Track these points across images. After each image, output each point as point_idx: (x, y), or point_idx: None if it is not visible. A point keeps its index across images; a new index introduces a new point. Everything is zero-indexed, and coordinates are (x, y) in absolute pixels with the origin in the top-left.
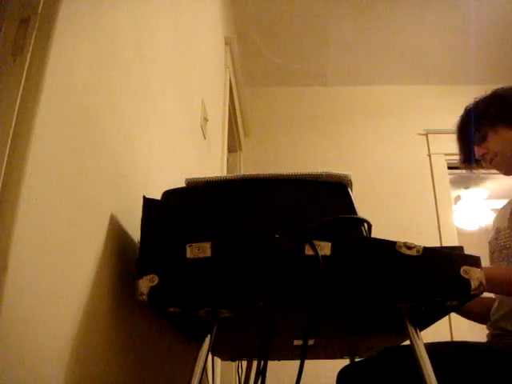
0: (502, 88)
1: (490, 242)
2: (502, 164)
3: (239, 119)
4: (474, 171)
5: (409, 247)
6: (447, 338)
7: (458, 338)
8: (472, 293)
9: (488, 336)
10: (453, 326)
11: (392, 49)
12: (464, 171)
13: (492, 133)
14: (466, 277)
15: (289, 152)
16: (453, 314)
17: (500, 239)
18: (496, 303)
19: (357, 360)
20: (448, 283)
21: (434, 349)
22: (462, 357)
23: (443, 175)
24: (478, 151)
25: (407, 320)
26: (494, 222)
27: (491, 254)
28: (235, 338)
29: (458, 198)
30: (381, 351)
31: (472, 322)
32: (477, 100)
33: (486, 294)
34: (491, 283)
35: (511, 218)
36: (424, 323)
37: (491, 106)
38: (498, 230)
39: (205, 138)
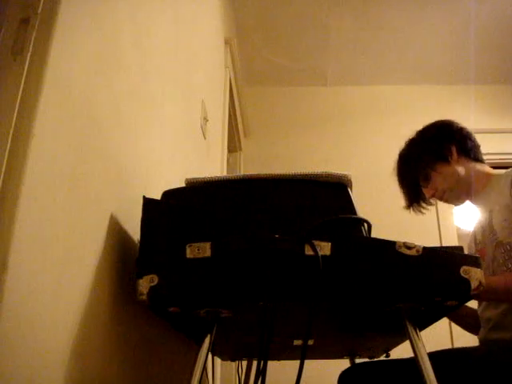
0: (426, 127)
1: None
2: (452, 198)
3: (239, 119)
4: (423, 211)
5: (409, 247)
6: (447, 339)
7: (457, 338)
8: (472, 293)
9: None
10: (453, 326)
11: (392, 49)
12: None
13: (434, 173)
14: (466, 277)
15: (289, 152)
16: None
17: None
18: (483, 320)
19: (357, 361)
20: (448, 283)
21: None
22: (456, 362)
23: None
24: (427, 192)
25: (407, 320)
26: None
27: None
28: (235, 338)
29: None
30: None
31: None
32: (408, 143)
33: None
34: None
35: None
36: (424, 323)
37: (425, 149)
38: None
39: (205, 138)
